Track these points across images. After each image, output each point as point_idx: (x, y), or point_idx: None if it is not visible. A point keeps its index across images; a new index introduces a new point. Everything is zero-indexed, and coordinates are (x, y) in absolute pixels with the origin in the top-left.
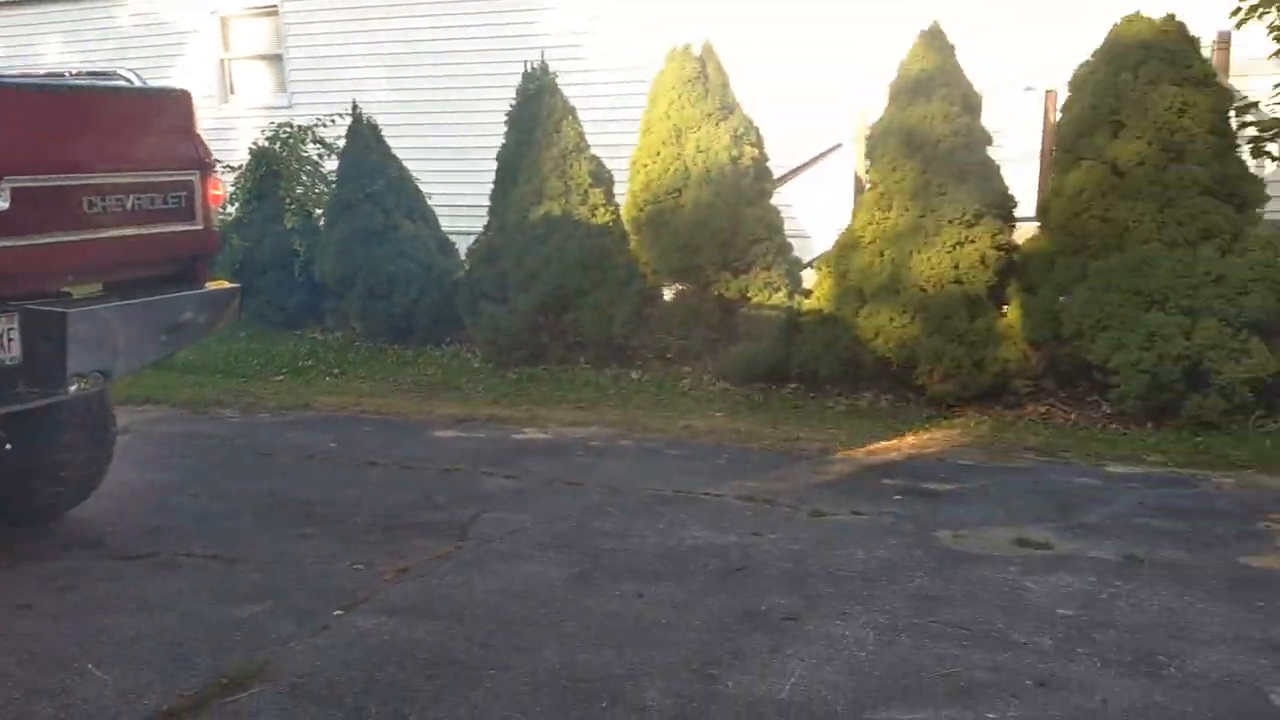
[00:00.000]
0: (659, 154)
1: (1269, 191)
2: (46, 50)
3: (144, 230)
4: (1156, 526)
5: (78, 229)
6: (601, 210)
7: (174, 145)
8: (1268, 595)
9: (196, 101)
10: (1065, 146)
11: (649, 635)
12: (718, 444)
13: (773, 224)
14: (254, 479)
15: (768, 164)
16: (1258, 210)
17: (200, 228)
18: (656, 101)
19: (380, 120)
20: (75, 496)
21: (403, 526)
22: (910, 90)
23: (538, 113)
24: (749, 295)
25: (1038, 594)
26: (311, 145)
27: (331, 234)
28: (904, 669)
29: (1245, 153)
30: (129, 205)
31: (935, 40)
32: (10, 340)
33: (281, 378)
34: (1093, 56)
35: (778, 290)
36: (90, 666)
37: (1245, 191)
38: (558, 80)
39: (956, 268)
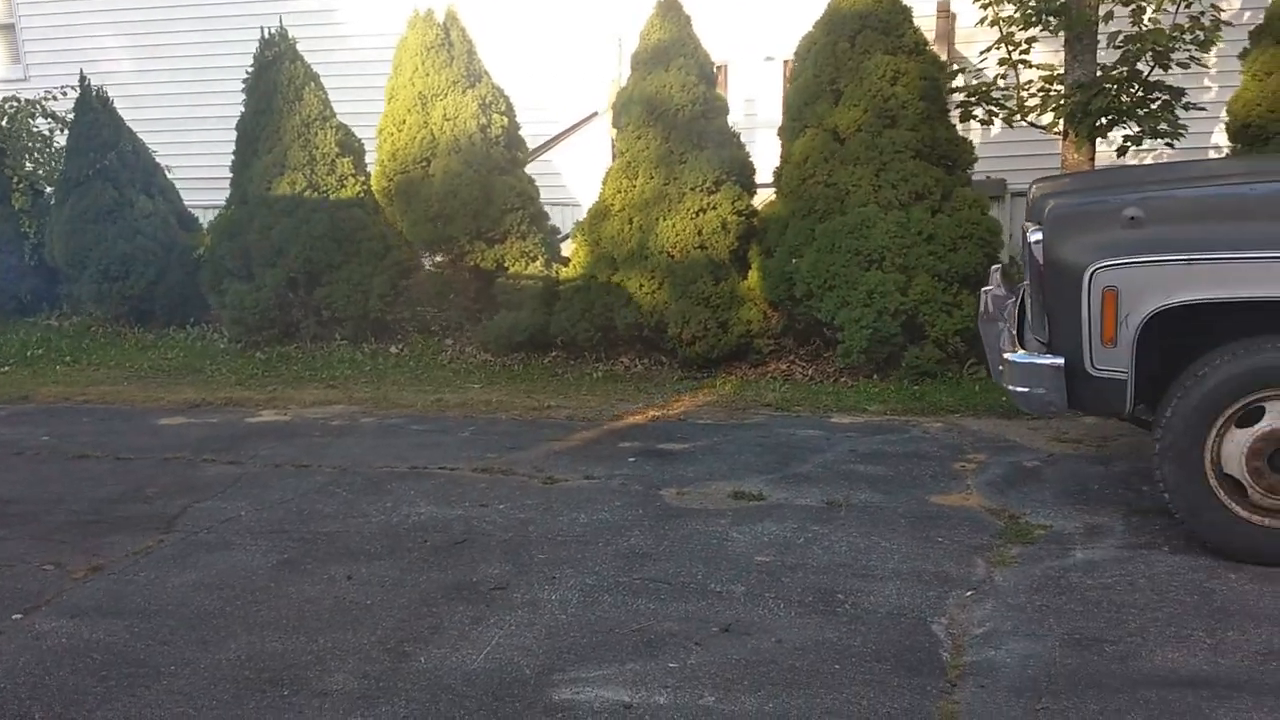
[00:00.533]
0: (405, 122)
1: (979, 152)
2: None
3: None
4: (861, 472)
5: None
6: (351, 181)
7: None
8: (946, 531)
9: None
10: (793, 115)
11: (347, 617)
12: (466, 416)
13: (526, 193)
14: None
15: (519, 132)
16: (966, 171)
17: None
18: (401, 68)
19: (121, 91)
20: None
21: (105, 522)
22: (650, 60)
23: (277, 80)
24: (505, 265)
25: (741, 543)
26: (41, 120)
27: (61, 214)
28: (600, 627)
29: (955, 117)
30: None
31: (671, 11)
32: None
33: (7, 369)
34: (814, 27)
35: (534, 260)
36: None
37: (955, 154)
38: (299, 47)
39: (700, 234)
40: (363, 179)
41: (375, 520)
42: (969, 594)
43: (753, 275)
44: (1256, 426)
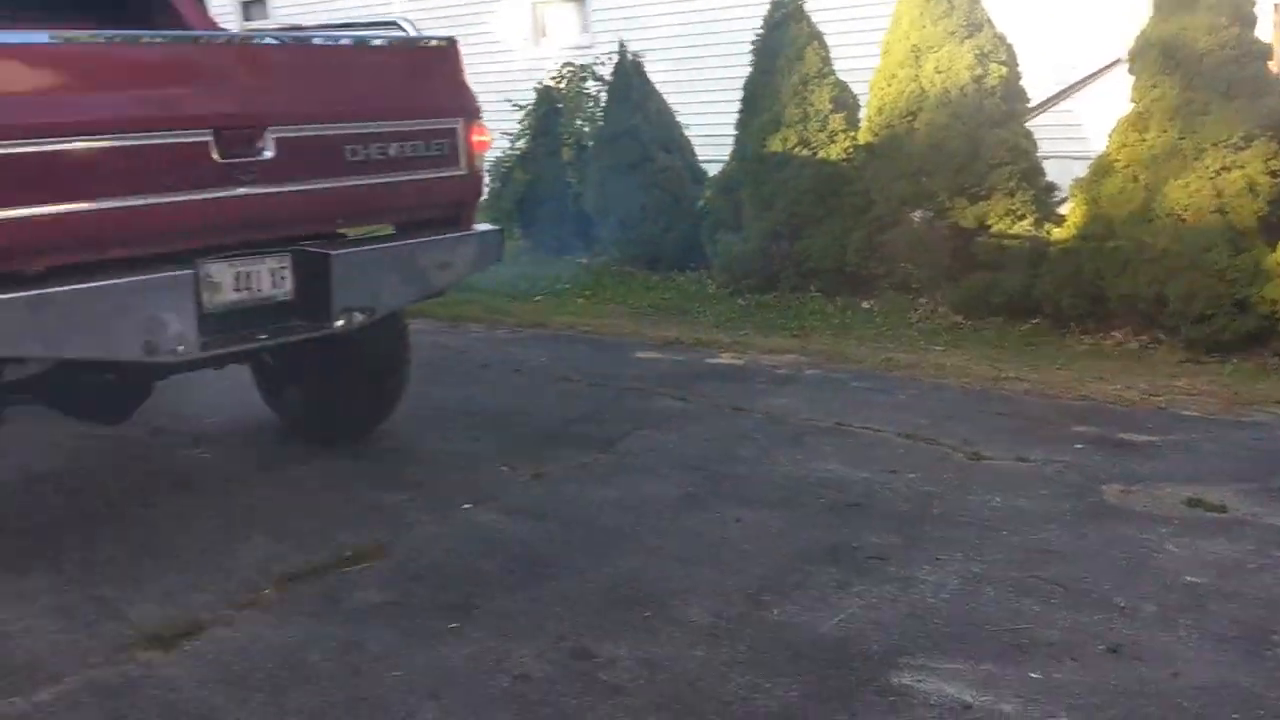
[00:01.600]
0: (895, 76)
1: None
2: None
3: (407, 176)
4: None
5: (341, 176)
6: (841, 136)
7: (439, 93)
8: None
9: (485, 48)
10: None
11: (721, 558)
12: (912, 378)
13: (1019, 147)
14: (459, 387)
15: (1020, 83)
16: None
17: (464, 173)
18: (898, 21)
19: (659, 56)
20: (378, 416)
21: (560, 437)
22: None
23: (781, 40)
24: (988, 223)
25: (1174, 558)
26: (592, 82)
27: (596, 166)
28: (968, 620)
29: None
30: (391, 152)
31: None
32: (283, 278)
33: (540, 299)
34: None
35: (1022, 218)
36: (249, 536)
37: None
38: (805, 6)
39: (1219, 196)
40: (851, 134)
41: (781, 470)
42: None
43: None
44: None
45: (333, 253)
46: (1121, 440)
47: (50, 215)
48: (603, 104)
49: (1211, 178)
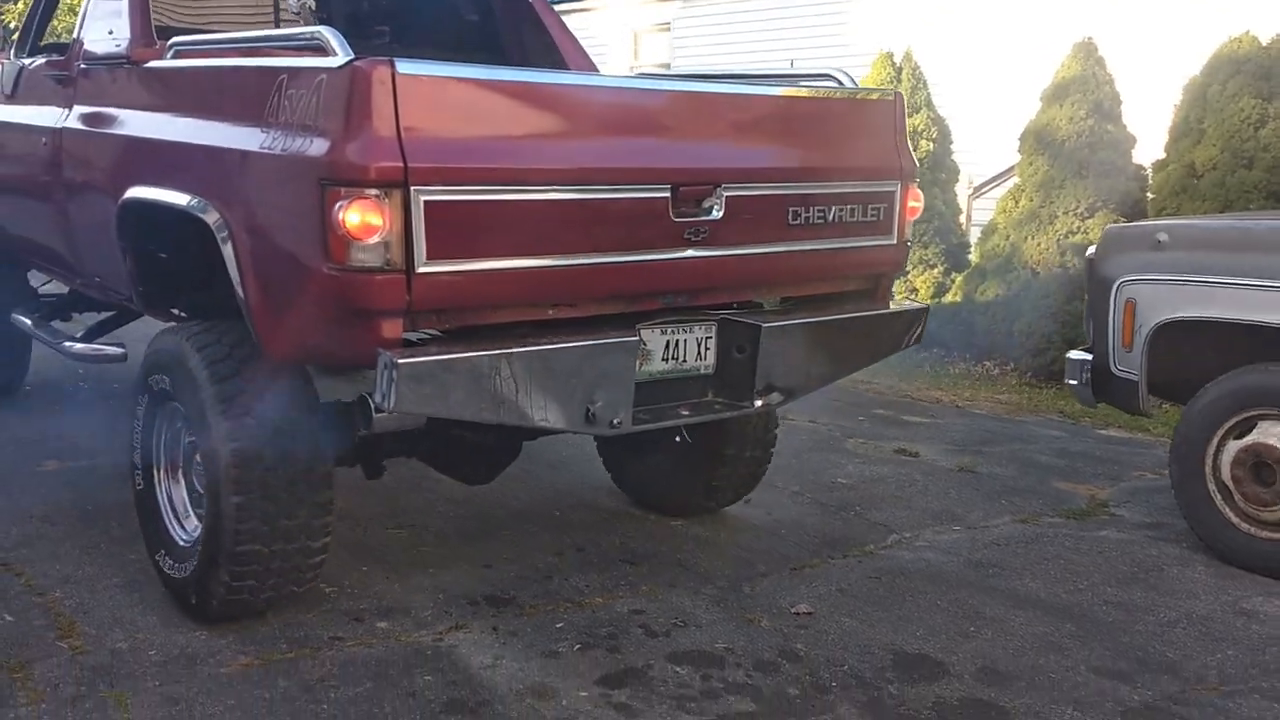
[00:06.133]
0: None
1: None
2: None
3: (841, 244)
4: None
5: (780, 241)
6: None
7: (879, 153)
8: None
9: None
10: None
11: None
12: None
13: (932, 208)
14: None
15: (952, 158)
16: None
17: (894, 243)
18: None
19: None
20: (736, 494)
21: None
22: None
23: None
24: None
25: (845, 472)
26: None
27: None
28: None
29: None
30: (830, 217)
31: None
32: (707, 349)
33: None
34: None
35: (933, 267)
36: None
37: None
38: None
39: (1063, 254)
40: None
41: None
42: None
43: None
44: (1244, 440)
45: (764, 324)
46: (900, 419)
47: (507, 270)
48: None
49: (1059, 239)
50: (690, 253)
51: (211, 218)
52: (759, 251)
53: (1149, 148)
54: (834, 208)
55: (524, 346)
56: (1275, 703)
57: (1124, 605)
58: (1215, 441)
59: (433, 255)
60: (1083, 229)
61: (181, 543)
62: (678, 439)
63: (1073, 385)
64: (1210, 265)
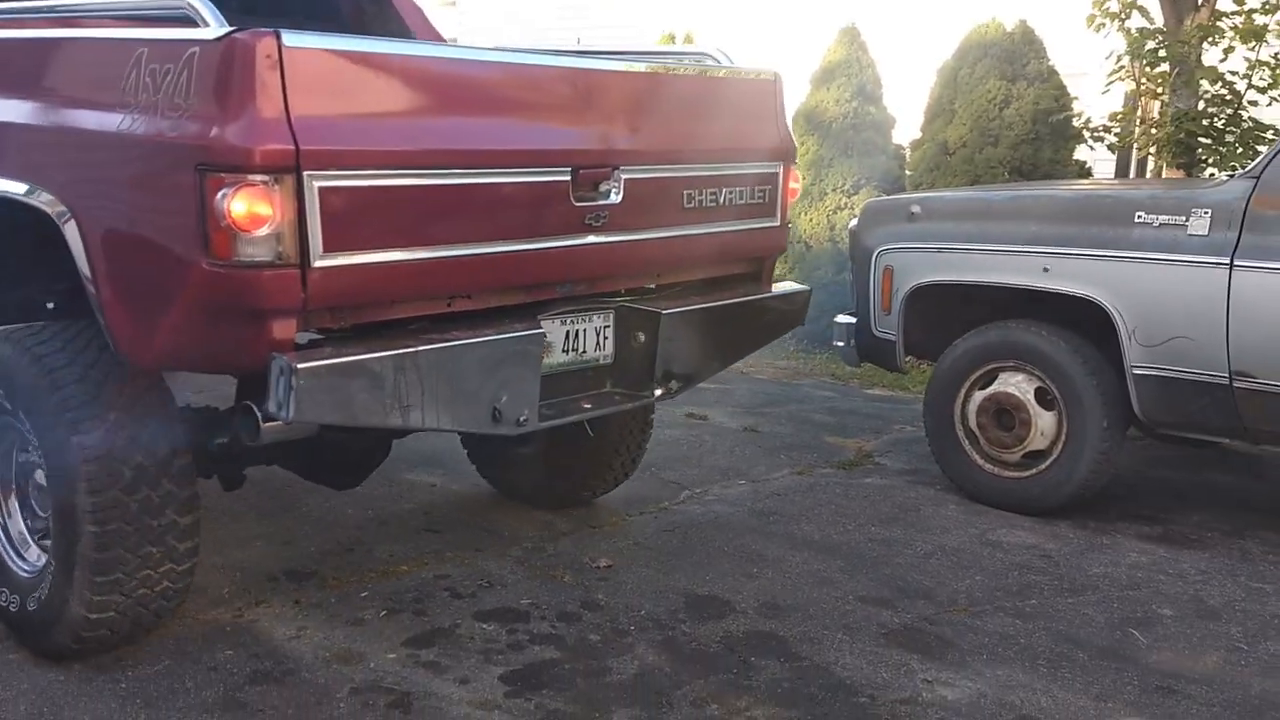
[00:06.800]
0: None
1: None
2: None
3: (732, 226)
4: None
5: (674, 225)
6: None
7: (765, 134)
8: None
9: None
10: None
11: None
12: None
13: None
14: None
15: None
16: None
17: (778, 225)
18: None
19: None
20: (616, 482)
21: None
22: None
23: None
24: None
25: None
26: None
27: None
28: None
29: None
30: (722, 199)
31: None
32: (605, 339)
33: None
34: None
35: None
36: None
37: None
38: None
39: (832, 228)
40: None
41: None
42: None
43: None
44: (987, 390)
45: (664, 312)
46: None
47: (408, 261)
48: None
49: (829, 214)
50: (591, 239)
51: (54, 208)
52: (656, 236)
53: (908, 127)
54: (724, 190)
55: (430, 344)
56: (1016, 619)
57: (886, 541)
58: (962, 393)
59: (330, 247)
60: (849, 205)
61: (23, 574)
62: (591, 433)
63: (839, 347)
64: (956, 234)
